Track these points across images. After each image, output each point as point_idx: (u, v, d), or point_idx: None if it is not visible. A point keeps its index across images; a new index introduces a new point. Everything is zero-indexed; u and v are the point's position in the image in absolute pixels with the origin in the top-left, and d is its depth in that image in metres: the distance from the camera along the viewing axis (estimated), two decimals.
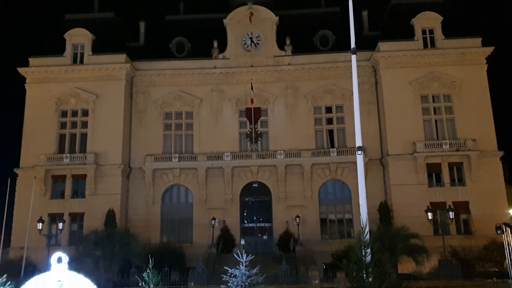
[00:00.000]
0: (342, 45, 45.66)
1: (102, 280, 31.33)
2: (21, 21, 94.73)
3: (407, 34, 47.30)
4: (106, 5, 52.47)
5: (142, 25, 54.02)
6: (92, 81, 47.72)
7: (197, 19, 53.36)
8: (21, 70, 47.96)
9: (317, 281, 33.10)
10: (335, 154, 45.88)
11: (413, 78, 45.79)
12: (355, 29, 16.43)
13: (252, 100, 46.42)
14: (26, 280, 10.85)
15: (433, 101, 46.16)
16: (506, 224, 31.86)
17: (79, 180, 45.85)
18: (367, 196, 14.62)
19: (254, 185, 46.91)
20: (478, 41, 46.66)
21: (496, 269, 36.13)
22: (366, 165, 43.47)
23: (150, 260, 13.79)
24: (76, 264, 28.08)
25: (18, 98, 49.41)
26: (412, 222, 38.78)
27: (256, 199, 46.82)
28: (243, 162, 46.30)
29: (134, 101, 48.94)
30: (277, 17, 50.02)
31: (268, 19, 50.08)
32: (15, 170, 45.68)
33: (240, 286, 14.47)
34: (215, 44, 49.46)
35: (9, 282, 12.66)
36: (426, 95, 46.08)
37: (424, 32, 47.10)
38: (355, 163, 15.04)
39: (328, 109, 48.33)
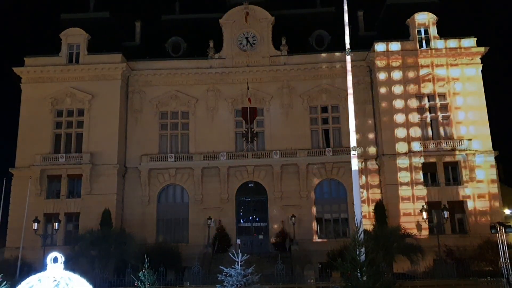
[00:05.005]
0: (337, 45, 45.69)
1: (98, 280, 31.29)
2: (17, 20, 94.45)
3: (403, 34, 47.46)
4: (101, 5, 52.44)
5: (137, 24, 54.06)
6: (88, 80, 47.66)
7: (193, 19, 53.33)
8: (16, 69, 47.84)
9: (312, 281, 33.16)
10: (331, 153, 45.99)
11: (408, 78, 45.93)
12: (350, 29, 16.52)
13: (249, 100, 46.35)
14: (22, 280, 10.88)
15: (428, 101, 46.32)
16: (501, 224, 32.03)
17: (75, 180, 45.80)
18: (362, 196, 14.70)
19: (250, 185, 46.96)
20: (472, 41, 46.87)
21: (490, 268, 36.27)
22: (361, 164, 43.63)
23: (146, 259, 13.83)
24: (71, 264, 28.11)
25: (14, 98, 49.35)
26: (407, 222, 38.92)
27: (252, 199, 46.87)
28: (239, 161, 46.37)
29: (130, 101, 48.89)
30: (273, 17, 50.06)
31: (263, 19, 50.13)
32: (11, 170, 45.60)
33: (235, 286, 14.55)
34: (211, 44, 49.48)
35: (5, 282, 12.70)
36: (421, 94, 46.24)
37: (419, 32, 47.28)
38: (351, 162, 15.13)
39: (324, 109, 48.44)
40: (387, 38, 47.31)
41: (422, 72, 46.16)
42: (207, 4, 57.80)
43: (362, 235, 12.69)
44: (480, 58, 46.38)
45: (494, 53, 51.01)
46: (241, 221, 46.74)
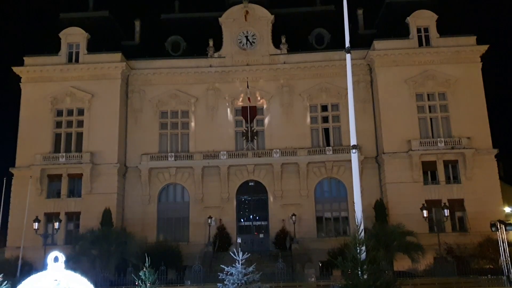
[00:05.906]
0: (337, 44, 45.71)
1: (99, 279, 31.33)
2: (16, 20, 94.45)
3: (402, 32, 47.44)
4: (101, 4, 52.43)
5: (137, 23, 54.01)
6: (88, 80, 47.66)
7: (193, 18, 53.32)
8: (16, 69, 47.80)
9: (313, 279, 33.23)
10: (331, 152, 45.98)
11: (408, 76, 45.95)
12: (350, 28, 16.50)
13: (249, 99, 46.33)
14: (23, 280, 10.88)
15: (428, 99, 46.31)
16: (501, 222, 32.11)
17: (75, 179, 45.81)
18: (362, 194, 14.71)
19: (250, 184, 46.96)
20: (472, 39, 46.83)
21: (490, 266, 36.33)
22: (361, 163, 43.60)
23: (147, 258, 13.82)
24: (72, 263, 28.14)
25: (14, 98, 49.30)
26: (407, 220, 38.92)
27: (252, 198, 46.90)
28: (239, 160, 46.37)
29: (130, 100, 48.89)
30: (273, 16, 50.05)
31: (263, 17, 50.11)
32: (11, 170, 45.61)
33: (236, 284, 14.55)
34: (211, 42, 49.46)
35: (5, 281, 12.69)
36: (421, 93, 46.24)
37: (419, 30, 47.25)
38: (351, 161, 15.13)
39: (324, 108, 48.42)
40: (387, 36, 47.32)
41: (422, 70, 46.13)
42: (206, 2, 57.85)
43: (362, 234, 12.70)
44: (480, 57, 46.37)
45: (494, 52, 50.99)
46: (242, 220, 46.77)
